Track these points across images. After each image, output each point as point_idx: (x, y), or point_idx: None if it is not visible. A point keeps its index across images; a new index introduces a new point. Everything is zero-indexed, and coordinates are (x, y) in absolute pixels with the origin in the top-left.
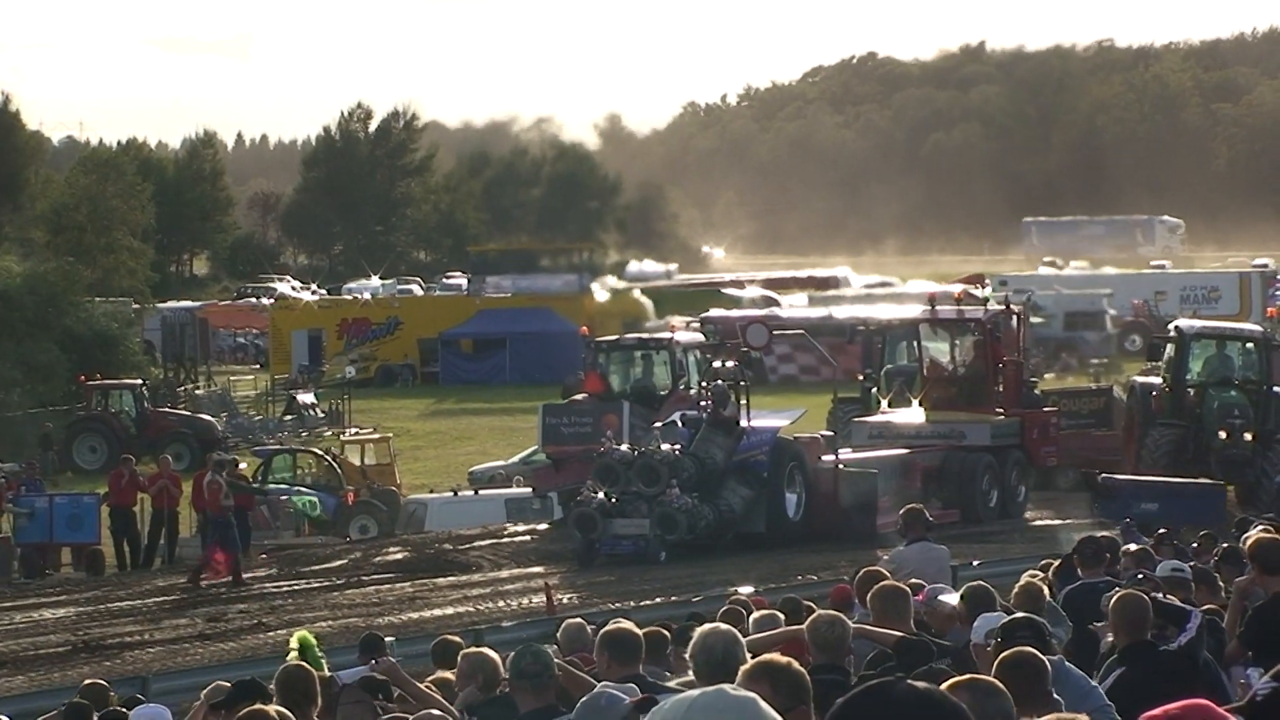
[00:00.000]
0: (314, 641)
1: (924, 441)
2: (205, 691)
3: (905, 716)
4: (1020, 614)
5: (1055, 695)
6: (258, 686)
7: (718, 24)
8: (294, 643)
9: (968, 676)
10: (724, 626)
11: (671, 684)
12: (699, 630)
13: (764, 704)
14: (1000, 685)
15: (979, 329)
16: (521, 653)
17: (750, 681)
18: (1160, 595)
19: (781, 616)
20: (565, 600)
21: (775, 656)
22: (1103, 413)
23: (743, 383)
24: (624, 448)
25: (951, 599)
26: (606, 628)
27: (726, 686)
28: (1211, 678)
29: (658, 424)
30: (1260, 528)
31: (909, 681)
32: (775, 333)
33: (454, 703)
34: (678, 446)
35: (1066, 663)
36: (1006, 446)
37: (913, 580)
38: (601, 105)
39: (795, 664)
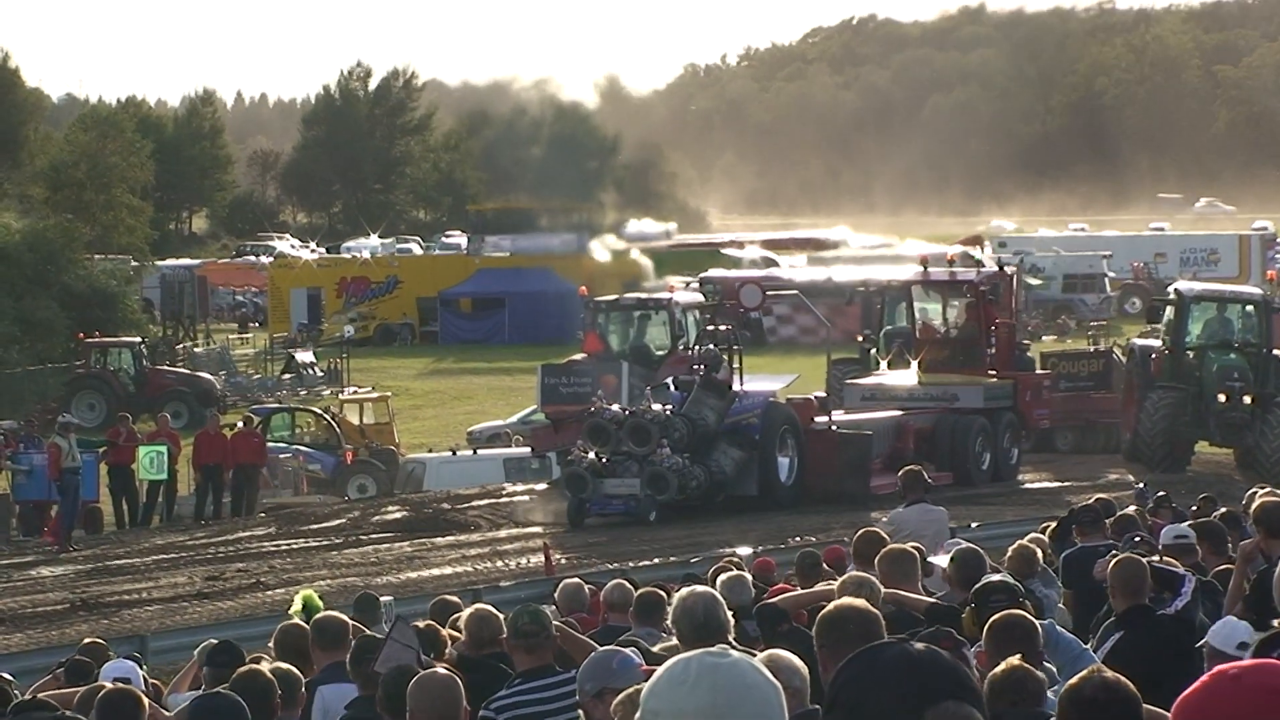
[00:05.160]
0: (319, 602)
1: (916, 404)
2: (199, 650)
3: (902, 677)
4: (995, 578)
5: (1046, 658)
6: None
7: None
8: (297, 602)
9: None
10: (702, 589)
11: (657, 648)
12: (678, 594)
13: (761, 665)
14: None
15: (971, 291)
16: (519, 613)
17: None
18: (1157, 560)
19: (749, 578)
20: (560, 560)
21: (850, 599)
22: (1102, 375)
23: (736, 346)
24: (615, 408)
25: (941, 561)
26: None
27: (726, 649)
28: None
29: (650, 386)
30: (1265, 491)
31: (906, 643)
32: (769, 293)
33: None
34: (669, 407)
35: (1057, 626)
36: (999, 409)
37: (911, 543)
38: (601, 66)
39: (861, 604)
